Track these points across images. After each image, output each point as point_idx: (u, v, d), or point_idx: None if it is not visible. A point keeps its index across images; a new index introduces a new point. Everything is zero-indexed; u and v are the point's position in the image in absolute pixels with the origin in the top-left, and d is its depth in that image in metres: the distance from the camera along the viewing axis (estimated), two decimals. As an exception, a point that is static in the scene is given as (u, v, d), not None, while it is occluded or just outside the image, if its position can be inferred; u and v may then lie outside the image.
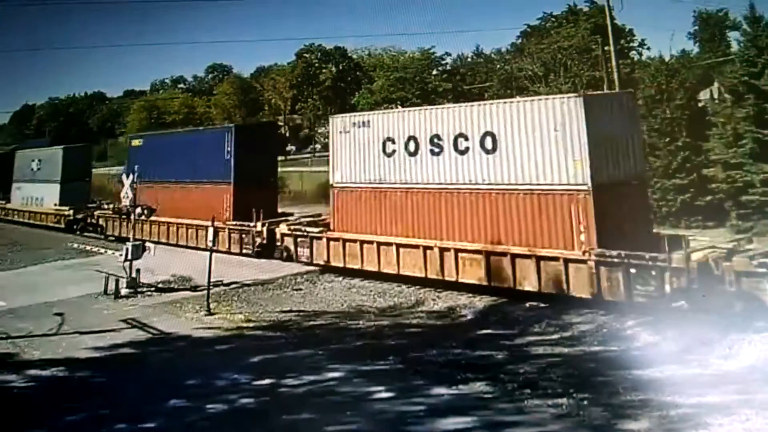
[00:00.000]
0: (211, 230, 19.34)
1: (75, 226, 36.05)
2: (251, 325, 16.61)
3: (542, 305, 16.45)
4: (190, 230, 27.93)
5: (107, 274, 21.08)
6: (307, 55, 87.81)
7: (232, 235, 26.06)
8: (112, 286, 20.31)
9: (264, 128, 43.68)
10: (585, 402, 10.29)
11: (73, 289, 21.26)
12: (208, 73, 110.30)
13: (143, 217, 23.17)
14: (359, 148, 20.91)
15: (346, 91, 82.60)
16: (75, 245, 31.43)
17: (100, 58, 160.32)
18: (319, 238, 22.05)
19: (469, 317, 16.49)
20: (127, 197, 22.12)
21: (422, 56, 75.41)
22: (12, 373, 13.43)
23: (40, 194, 40.76)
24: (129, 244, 20.85)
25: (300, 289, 20.40)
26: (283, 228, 23.88)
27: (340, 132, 21.52)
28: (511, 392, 10.96)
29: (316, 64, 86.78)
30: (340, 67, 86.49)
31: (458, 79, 77.20)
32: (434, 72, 75.89)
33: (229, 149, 26.41)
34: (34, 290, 21.49)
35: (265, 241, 24.59)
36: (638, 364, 11.89)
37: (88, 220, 35.66)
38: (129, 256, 20.57)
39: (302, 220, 25.11)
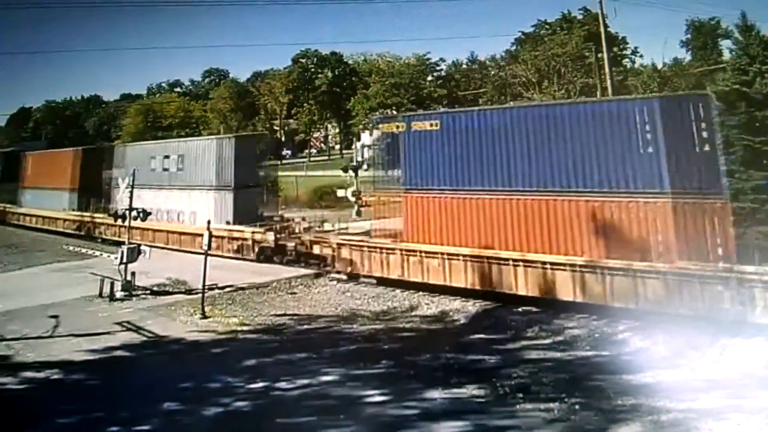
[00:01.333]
0: (206, 234, 19.34)
1: (277, 258, 24.29)
2: (246, 328, 16.62)
3: (535, 310, 16.56)
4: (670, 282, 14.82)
5: (102, 276, 21.08)
6: (303, 60, 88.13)
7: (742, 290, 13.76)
8: (107, 288, 20.28)
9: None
10: (577, 406, 10.39)
11: (68, 292, 21.19)
12: (205, 77, 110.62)
13: (138, 220, 23.00)
14: None
15: (342, 96, 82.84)
16: (70, 248, 31.34)
17: (97, 62, 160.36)
18: None
19: (462, 321, 16.57)
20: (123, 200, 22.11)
21: (417, 62, 75.90)
22: (7, 375, 13.43)
23: (183, 206, 27.47)
24: (124, 247, 20.84)
25: (295, 293, 20.40)
26: None
27: None
28: (504, 396, 11.05)
29: (312, 70, 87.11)
30: (336, 73, 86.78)
31: (453, 85, 77.70)
32: (429, 78, 76.33)
33: (704, 133, 15.67)
34: (29, 293, 21.42)
35: None
36: (629, 368, 12.01)
37: (298, 248, 23.44)
38: (124, 259, 20.57)
39: None
